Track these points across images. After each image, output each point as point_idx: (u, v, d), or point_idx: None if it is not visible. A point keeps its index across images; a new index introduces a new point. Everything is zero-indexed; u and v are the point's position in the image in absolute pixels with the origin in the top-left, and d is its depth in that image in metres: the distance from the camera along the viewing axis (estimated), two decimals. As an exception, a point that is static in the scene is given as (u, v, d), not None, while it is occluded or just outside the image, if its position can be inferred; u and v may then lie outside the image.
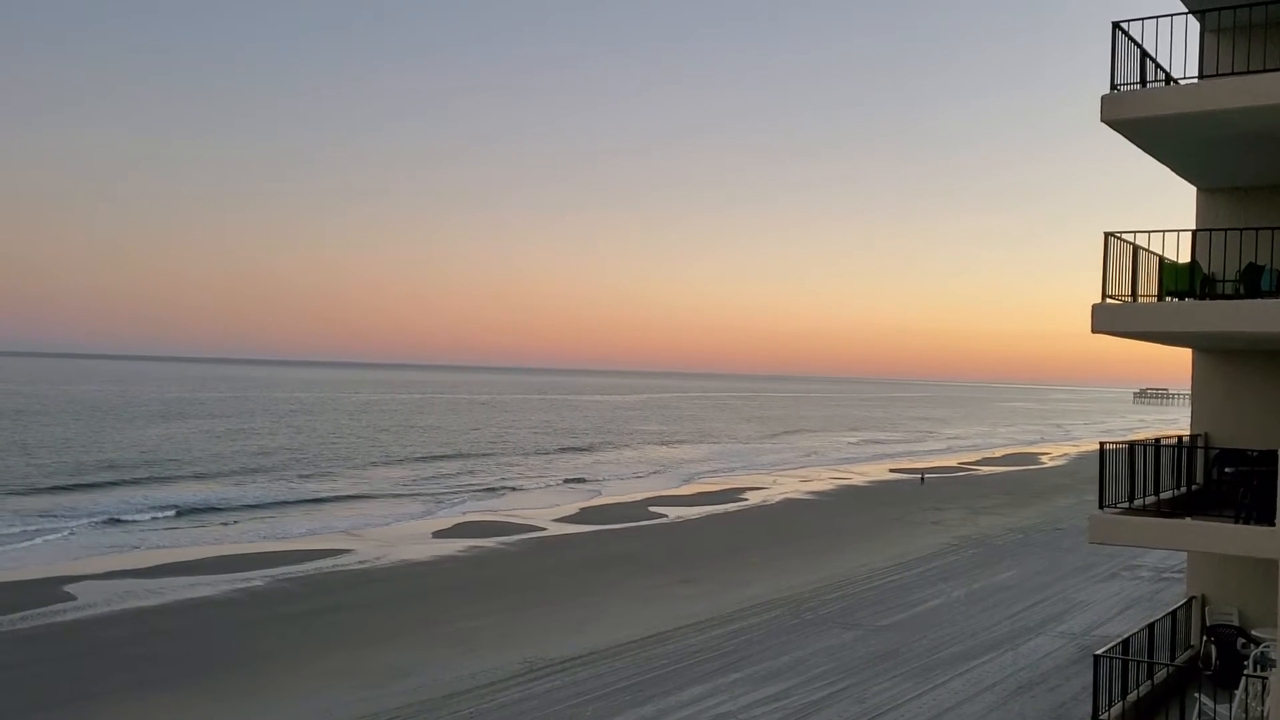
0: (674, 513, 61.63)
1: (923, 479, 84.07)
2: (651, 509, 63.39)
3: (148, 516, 56.15)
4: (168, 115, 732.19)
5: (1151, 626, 20.12)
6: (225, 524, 54.83)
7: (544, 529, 54.63)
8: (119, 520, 54.60)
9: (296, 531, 52.44)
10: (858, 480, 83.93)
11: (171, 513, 57.57)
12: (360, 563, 43.94)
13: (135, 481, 71.35)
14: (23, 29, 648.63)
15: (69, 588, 37.47)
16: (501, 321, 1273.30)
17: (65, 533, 50.53)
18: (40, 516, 55.06)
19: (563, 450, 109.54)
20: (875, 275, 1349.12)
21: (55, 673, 26.71)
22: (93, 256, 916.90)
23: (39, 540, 48.37)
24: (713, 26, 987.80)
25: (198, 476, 75.51)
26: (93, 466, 78.73)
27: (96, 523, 53.60)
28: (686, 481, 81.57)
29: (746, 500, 68.91)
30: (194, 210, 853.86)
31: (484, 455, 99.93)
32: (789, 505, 66.43)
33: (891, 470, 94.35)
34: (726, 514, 61.81)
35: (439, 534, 52.17)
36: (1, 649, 28.94)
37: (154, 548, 47.10)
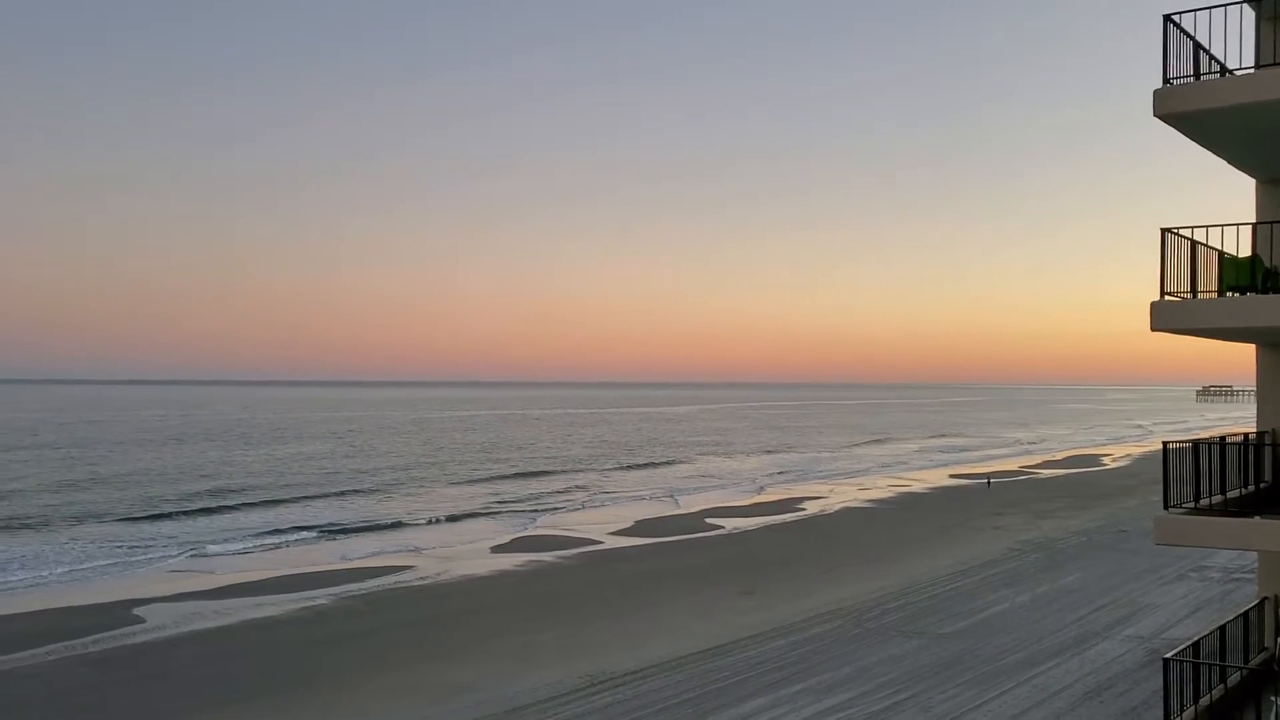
0: (731, 524, 61.43)
1: (989, 483, 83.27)
2: (708, 520, 63.24)
3: (294, 539, 57.49)
4: (191, 131, 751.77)
5: (1223, 629, 19.68)
6: (324, 542, 55.65)
7: (601, 542, 54.68)
8: (273, 540, 56.95)
9: (362, 550, 52.95)
10: (917, 487, 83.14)
11: (314, 534, 59.12)
12: (421, 579, 44.25)
13: (265, 504, 73.11)
14: (28, 42, 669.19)
15: (138, 610, 38.10)
16: (538, 336, 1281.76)
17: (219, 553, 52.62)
18: (190, 542, 56.50)
19: (621, 465, 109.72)
20: (935, 281, 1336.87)
21: (125, 694, 27.15)
22: (121, 282, 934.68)
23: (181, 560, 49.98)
24: (769, 45, 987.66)
25: (308, 498, 76.62)
26: (211, 492, 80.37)
27: (250, 543, 55.79)
28: (748, 492, 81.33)
29: (804, 510, 68.51)
30: (223, 229, 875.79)
31: (543, 473, 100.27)
32: (848, 514, 65.96)
33: (951, 475, 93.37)
34: (784, 524, 61.48)
35: (497, 549, 52.42)
36: (74, 671, 29.49)
37: (226, 571, 47.80)
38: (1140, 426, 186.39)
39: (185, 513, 68.43)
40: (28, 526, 61.33)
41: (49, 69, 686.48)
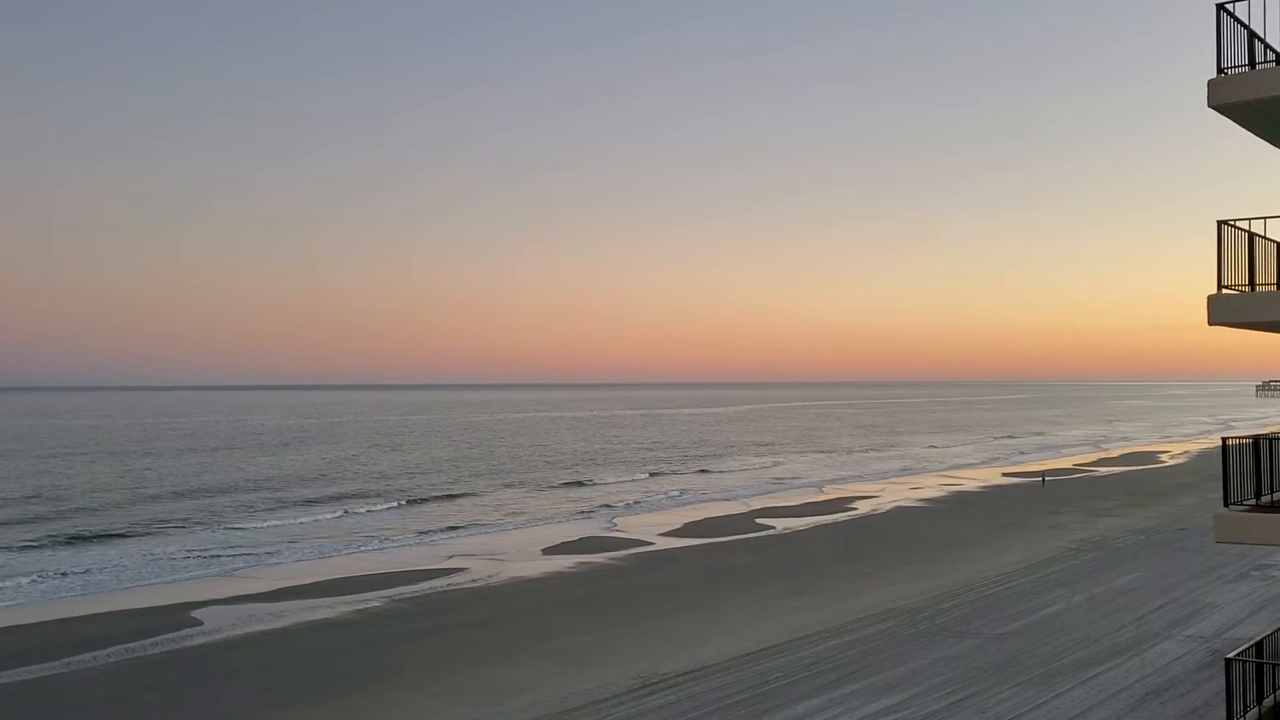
0: (782, 524, 61.19)
1: (1043, 481, 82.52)
2: (759, 520, 63.04)
3: (348, 545, 58.03)
4: (248, 144, 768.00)
5: (1286, 628, 19.31)
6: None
7: (651, 543, 54.69)
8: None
9: (413, 552, 53.39)
10: (970, 485, 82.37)
11: (367, 537, 59.90)
12: (473, 581, 44.50)
13: (313, 504, 73.66)
14: (106, 61, 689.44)
15: (196, 613, 38.67)
16: (589, 337, 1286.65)
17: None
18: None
19: (671, 466, 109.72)
20: (974, 275, 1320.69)
21: (185, 695, 27.56)
22: (174, 287, 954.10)
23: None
24: (819, 37, 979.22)
25: (357, 501, 77.52)
26: (259, 501, 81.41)
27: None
28: (801, 492, 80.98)
29: (856, 509, 68.11)
30: (276, 239, 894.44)
31: (593, 476, 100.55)
32: (900, 513, 65.47)
33: (1004, 474, 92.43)
34: (836, 524, 61.15)
35: (549, 551, 52.58)
36: (135, 673, 29.98)
37: (281, 574, 48.34)
38: (1221, 420, 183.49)
39: (235, 519, 69.40)
40: (87, 533, 62.53)
41: (131, 83, 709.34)
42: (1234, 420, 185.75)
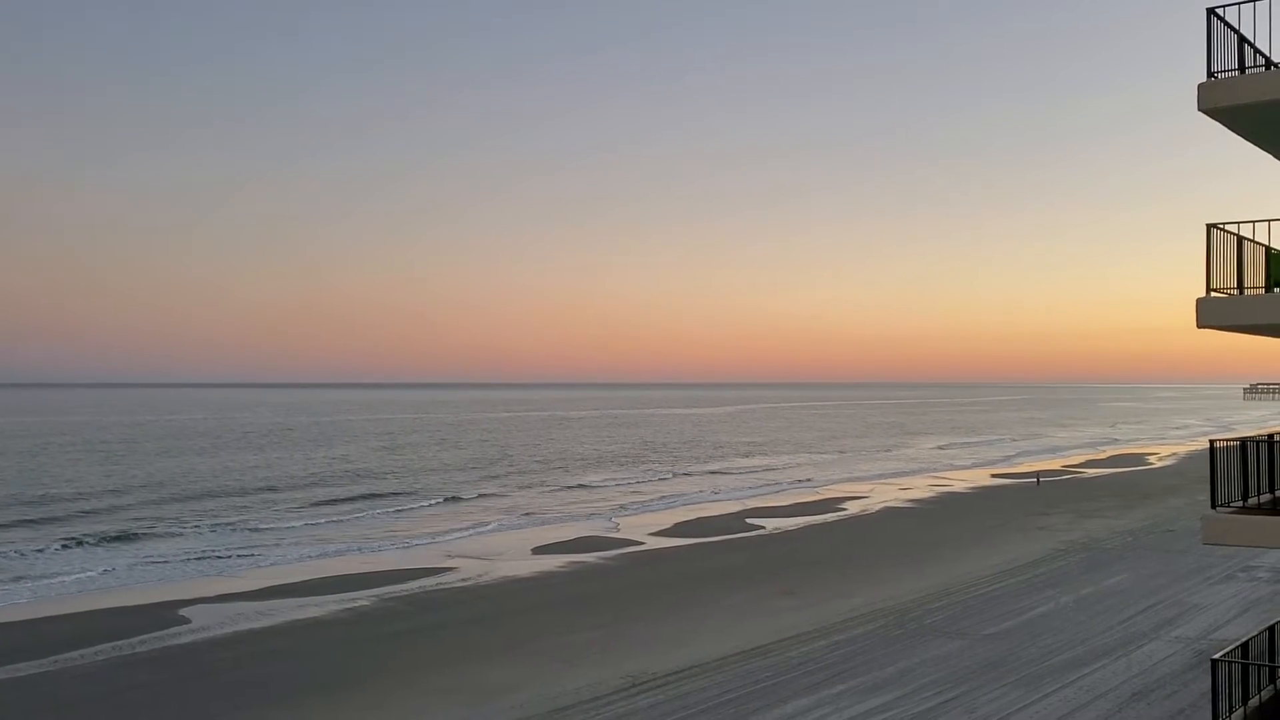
0: (772, 524, 61.25)
1: (1038, 481, 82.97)
2: (749, 520, 63.09)
3: (339, 545, 57.51)
4: (255, 146, 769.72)
5: (1272, 629, 19.43)
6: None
7: (642, 543, 54.69)
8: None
9: (404, 552, 53.33)
10: (959, 486, 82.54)
11: (359, 537, 59.05)
12: (463, 580, 44.46)
13: (308, 505, 73.60)
14: (109, 64, 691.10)
15: (183, 611, 38.56)
16: (584, 338, 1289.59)
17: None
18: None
19: (661, 465, 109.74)
20: (969, 279, 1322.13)
21: (174, 694, 27.49)
22: (176, 286, 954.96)
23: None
24: (830, 37, 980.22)
25: (353, 503, 77.36)
26: (250, 503, 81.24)
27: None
28: (790, 492, 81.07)
29: (845, 510, 68.20)
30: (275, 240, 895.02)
31: (598, 480, 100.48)
32: (889, 514, 65.59)
33: (993, 475, 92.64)
34: (825, 524, 61.24)
35: (539, 550, 52.56)
36: (122, 671, 29.90)
37: (270, 573, 48.24)
38: (1223, 424, 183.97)
39: (222, 519, 69.27)
40: (76, 532, 62.35)
41: (151, 83, 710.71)
42: (1233, 422, 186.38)
